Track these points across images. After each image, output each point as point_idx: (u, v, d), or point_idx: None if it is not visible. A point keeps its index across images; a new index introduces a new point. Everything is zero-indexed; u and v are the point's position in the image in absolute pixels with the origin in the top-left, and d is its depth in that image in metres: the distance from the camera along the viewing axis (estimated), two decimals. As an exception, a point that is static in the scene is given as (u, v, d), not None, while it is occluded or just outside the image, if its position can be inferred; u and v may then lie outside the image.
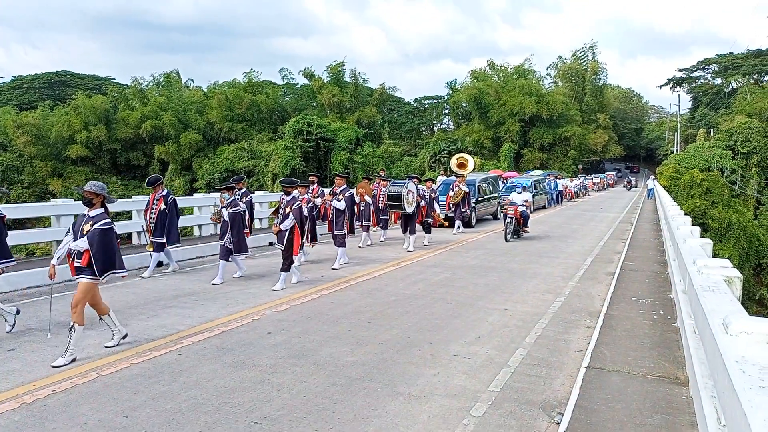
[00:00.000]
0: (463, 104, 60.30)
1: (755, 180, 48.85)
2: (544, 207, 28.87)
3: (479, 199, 20.14)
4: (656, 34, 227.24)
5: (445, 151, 46.81)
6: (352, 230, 12.48)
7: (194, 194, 25.49)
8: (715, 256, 7.33)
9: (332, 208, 11.68)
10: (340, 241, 11.41)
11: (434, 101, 79.04)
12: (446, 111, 74.14)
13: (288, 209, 9.18)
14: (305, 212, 10.39)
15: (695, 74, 77.21)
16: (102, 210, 5.81)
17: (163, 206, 10.34)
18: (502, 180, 30.13)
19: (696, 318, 5.23)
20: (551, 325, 7.13)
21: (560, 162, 54.51)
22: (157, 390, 4.89)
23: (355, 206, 13.61)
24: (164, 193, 10.50)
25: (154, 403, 4.61)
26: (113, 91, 60.36)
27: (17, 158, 51.48)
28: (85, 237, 5.63)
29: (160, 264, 10.95)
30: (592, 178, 52.55)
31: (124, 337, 6.13)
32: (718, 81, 72.89)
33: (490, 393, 4.92)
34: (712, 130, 61.02)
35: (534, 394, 4.93)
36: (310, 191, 12.60)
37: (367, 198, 14.41)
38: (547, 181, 32.01)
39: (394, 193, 13.78)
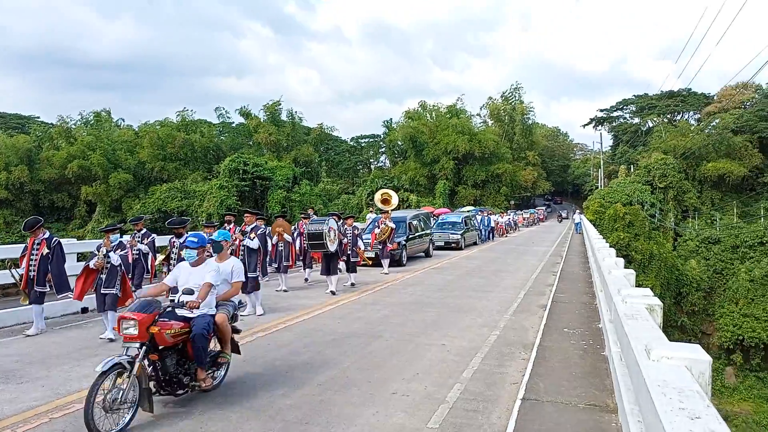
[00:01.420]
0: (399, 143, 61.40)
1: (672, 213, 52.07)
2: (475, 243, 29.24)
3: (410, 236, 19.72)
4: (577, 76, 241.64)
5: (382, 189, 47.34)
6: (264, 272, 11.66)
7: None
8: (638, 286, 7.70)
9: (242, 247, 10.62)
10: (252, 285, 10.22)
11: (371, 140, 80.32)
12: (382, 149, 75.26)
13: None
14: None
15: (615, 114, 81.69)
16: None
17: (46, 250, 8.93)
18: (433, 216, 30.50)
19: (622, 345, 5.47)
20: (488, 359, 7.24)
21: (493, 198, 56.17)
22: (79, 446, 4.60)
23: (271, 246, 12.67)
24: (46, 236, 9.10)
25: (76, 460, 4.33)
26: (37, 130, 58.02)
27: (-72, 201, 48.24)
28: None
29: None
30: (522, 213, 54.26)
31: None
32: (636, 120, 77.54)
33: (429, 430, 4.92)
34: (632, 166, 64.67)
35: (472, 429, 4.97)
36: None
37: (287, 237, 13.47)
38: (480, 217, 32.56)
39: (315, 231, 12.64)
